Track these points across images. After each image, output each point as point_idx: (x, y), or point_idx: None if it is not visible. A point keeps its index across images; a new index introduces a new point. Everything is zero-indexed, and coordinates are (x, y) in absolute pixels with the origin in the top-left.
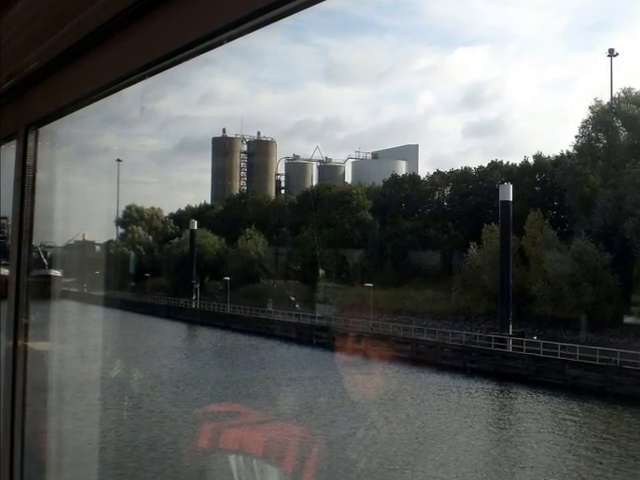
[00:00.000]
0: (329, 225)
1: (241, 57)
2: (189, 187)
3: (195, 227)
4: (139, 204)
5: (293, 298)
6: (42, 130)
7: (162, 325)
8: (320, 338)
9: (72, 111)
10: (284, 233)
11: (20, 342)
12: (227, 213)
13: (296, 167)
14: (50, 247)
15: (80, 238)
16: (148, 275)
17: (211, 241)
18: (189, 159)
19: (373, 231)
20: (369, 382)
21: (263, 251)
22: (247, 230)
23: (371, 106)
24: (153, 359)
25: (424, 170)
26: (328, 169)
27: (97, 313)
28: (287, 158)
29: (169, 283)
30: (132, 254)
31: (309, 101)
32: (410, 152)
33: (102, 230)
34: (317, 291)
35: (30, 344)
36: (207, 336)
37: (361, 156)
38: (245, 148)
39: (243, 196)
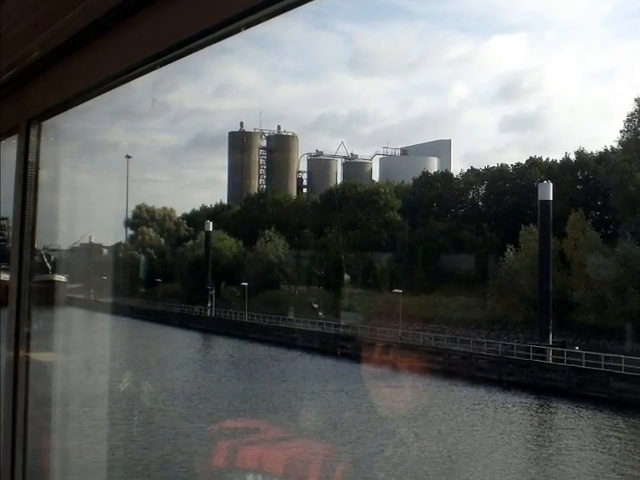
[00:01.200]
0: (355, 226)
1: (260, 45)
2: (204, 185)
3: (210, 229)
4: (150, 204)
5: (316, 305)
6: (45, 124)
7: (175, 334)
8: (345, 348)
9: (77, 104)
10: (306, 235)
11: (22, 353)
12: (245, 214)
13: (319, 164)
14: (54, 250)
15: (86, 240)
16: (159, 280)
17: (228, 244)
18: (204, 155)
19: (402, 233)
20: (398, 396)
21: (284, 255)
22: (266, 232)
23: (400, 98)
24: (165, 371)
25: (457, 167)
26: (354, 166)
27: (104, 321)
28: (309, 154)
29: (182, 289)
30: (142, 258)
31: (333, 93)
32: (442, 148)
33: (110, 232)
34: (342, 298)
35: (32, 355)
36: (223, 346)
37: (389, 152)
38: (264, 143)
39: (262, 195)
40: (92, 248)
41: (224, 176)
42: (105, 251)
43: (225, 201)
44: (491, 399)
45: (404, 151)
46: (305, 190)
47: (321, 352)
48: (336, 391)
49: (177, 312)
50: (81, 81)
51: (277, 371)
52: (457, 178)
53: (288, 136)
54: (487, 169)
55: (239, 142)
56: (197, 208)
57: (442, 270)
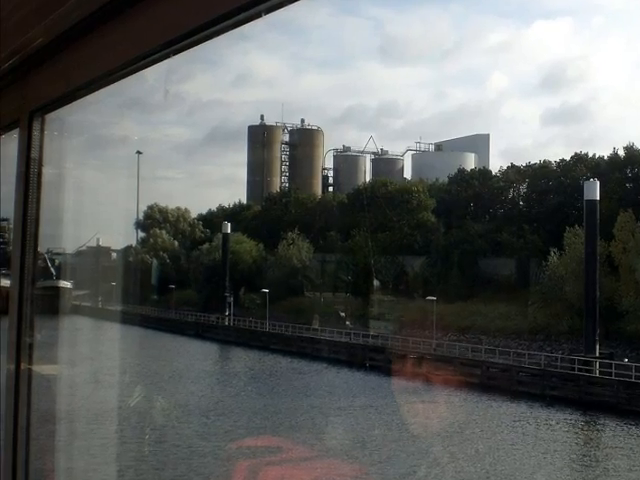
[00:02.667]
0: (385, 228)
1: (282, 32)
2: (221, 184)
3: (228, 231)
4: (163, 204)
5: (343, 314)
6: (49, 117)
7: (189, 345)
8: (374, 360)
9: (84, 95)
10: (332, 238)
11: (23, 365)
12: (266, 214)
13: (346, 160)
14: (59, 254)
15: (94, 243)
16: (173, 287)
17: (247, 247)
18: (221, 151)
19: (436, 235)
20: (432, 412)
21: (308, 259)
22: (289, 234)
23: (434, 89)
24: (179, 385)
25: (496, 164)
26: (384, 162)
27: (113, 331)
28: (336, 150)
29: (198, 296)
30: (154, 262)
31: (361, 83)
32: (480, 143)
33: (119, 234)
34: (371, 305)
35: (35, 367)
36: (242, 358)
37: (422, 147)
38: (287, 138)
39: (285, 194)
40: (100, 251)
41: (243, 173)
42: (114, 255)
43: (244, 201)
44: (533, 415)
45: (438, 146)
46: (331, 189)
47: (348, 364)
48: (364, 407)
49: (192, 321)
50: (88, 70)
51: (300, 385)
52: (496, 176)
53: (313, 130)
54: (528, 166)
55: (259, 137)
56: (214, 208)
57: (480, 275)
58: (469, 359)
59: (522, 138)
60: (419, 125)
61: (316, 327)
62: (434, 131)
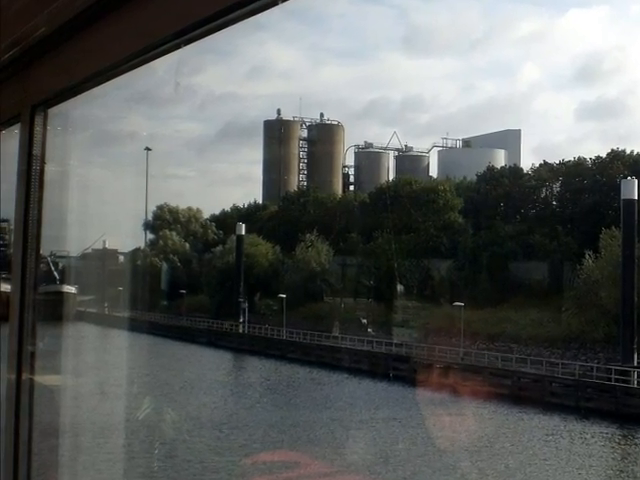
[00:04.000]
0: (409, 229)
1: (300, 21)
2: (235, 182)
3: (243, 232)
4: (173, 203)
5: (365, 320)
6: (51, 111)
7: (201, 354)
8: (398, 370)
9: (89, 88)
10: (353, 239)
11: (25, 375)
12: (283, 215)
13: (368, 157)
14: (62, 257)
15: (99, 246)
16: (184, 292)
17: (263, 250)
18: (235, 147)
19: (464, 237)
20: (459, 425)
21: (327, 262)
22: (308, 236)
23: (461, 82)
24: (190, 396)
25: (528, 161)
26: (408, 160)
27: (121, 339)
28: (357, 146)
29: (210, 302)
30: (164, 266)
31: (384, 75)
32: (510, 139)
33: (127, 236)
34: (394, 312)
35: (37, 377)
36: (257, 368)
37: (449, 144)
38: (305, 134)
39: (303, 194)
40: (106, 254)
41: (258, 171)
42: (121, 258)
43: (260, 200)
44: (567, 429)
45: (466, 143)
46: (352, 188)
47: (370, 374)
48: (388, 419)
49: (204, 328)
50: (93, 62)
51: (320, 396)
52: (527, 174)
53: (332, 125)
54: (562, 163)
55: (276, 132)
56: (227, 208)
57: (510, 280)
58: (499, 369)
59: (555, 134)
60: (446, 120)
61: (336, 335)
62: (462, 126)
